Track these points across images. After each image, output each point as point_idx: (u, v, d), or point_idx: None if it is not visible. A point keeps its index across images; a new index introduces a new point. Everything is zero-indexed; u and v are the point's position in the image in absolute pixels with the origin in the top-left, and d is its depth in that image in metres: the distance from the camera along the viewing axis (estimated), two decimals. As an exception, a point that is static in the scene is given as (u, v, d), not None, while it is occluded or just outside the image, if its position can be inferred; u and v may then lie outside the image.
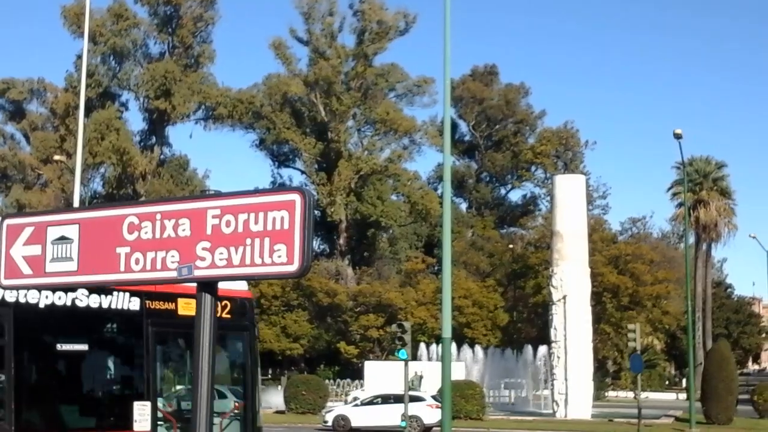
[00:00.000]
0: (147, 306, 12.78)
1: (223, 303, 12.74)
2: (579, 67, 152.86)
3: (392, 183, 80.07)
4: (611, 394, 68.42)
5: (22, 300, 11.30)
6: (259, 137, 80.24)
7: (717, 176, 72.39)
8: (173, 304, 13.11)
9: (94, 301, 12.10)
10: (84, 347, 12.51)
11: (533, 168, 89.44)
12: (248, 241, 5.18)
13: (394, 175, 78.30)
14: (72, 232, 6.03)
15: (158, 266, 5.57)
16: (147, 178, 71.55)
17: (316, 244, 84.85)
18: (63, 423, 12.23)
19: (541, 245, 67.70)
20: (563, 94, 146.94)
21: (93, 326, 12.55)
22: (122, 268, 5.75)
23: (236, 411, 13.72)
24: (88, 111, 61.84)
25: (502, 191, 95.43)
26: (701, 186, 70.78)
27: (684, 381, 73.70)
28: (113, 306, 12.40)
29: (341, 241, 77.05)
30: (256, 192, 5.29)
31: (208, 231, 5.35)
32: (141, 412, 12.22)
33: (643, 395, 42.92)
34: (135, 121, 77.29)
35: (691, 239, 68.41)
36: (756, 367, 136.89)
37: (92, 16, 59.47)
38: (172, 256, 5.52)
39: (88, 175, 69.35)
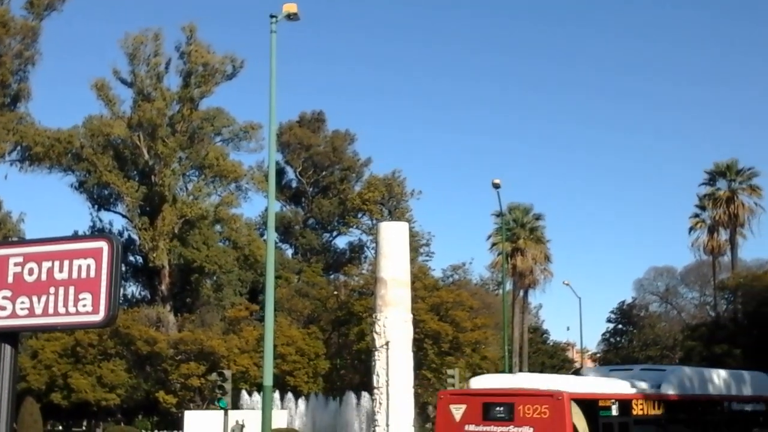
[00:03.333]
0: None
1: None
2: (404, 116, 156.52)
3: (219, 228, 79.18)
4: (432, 438, 69.33)
5: None
6: (79, 180, 77.81)
7: (533, 225, 75.40)
8: None
9: None
10: None
11: (360, 215, 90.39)
12: (52, 289, 5.03)
13: (221, 220, 77.47)
14: None
15: (-45, 316, 5.32)
16: (-44, 221, 68.03)
17: (137, 291, 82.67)
18: None
19: (366, 292, 68.32)
20: (388, 142, 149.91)
21: None
22: None
23: None
24: None
25: (329, 237, 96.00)
26: (518, 234, 73.50)
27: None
28: None
29: (163, 287, 75.35)
30: (61, 239, 5.15)
31: (10, 279, 5.17)
32: None
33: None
34: (-54, 162, 73.36)
35: (509, 286, 70.76)
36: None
37: None
38: (-30, 306, 5.28)
39: None
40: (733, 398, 27.23)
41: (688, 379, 26.05)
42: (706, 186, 71.20)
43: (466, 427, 22.10)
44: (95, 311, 5.00)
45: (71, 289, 5.04)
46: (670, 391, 25.05)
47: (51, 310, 5.07)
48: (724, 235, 70.20)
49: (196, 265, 74.70)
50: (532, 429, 21.19)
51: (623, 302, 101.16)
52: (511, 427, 21.51)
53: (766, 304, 60.61)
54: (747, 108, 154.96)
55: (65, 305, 5.07)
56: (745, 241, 70.78)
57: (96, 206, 79.86)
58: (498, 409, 21.81)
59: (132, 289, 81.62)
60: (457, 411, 22.45)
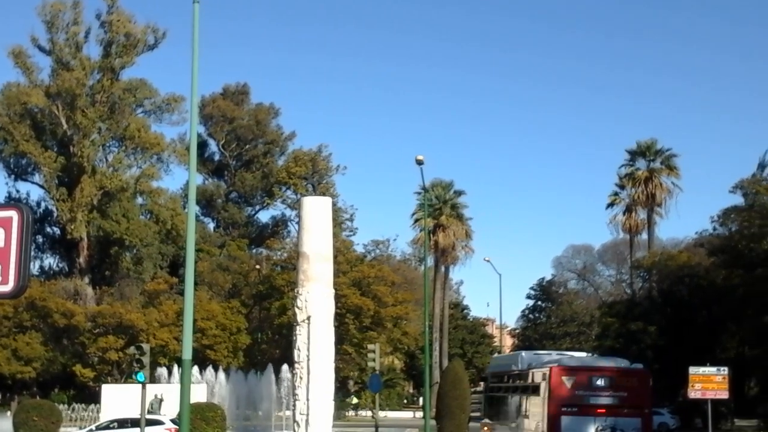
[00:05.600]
0: None
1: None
2: (328, 92, 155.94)
3: (141, 201, 78.06)
4: (352, 413, 69.74)
5: None
6: (-6, 149, 75.93)
7: (455, 202, 75.83)
8: None
9: None
10: None
11: (284, 189, 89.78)
12: (-41, 259, 4.91)
13: (142, 193, 76.36)
14: None
15: None
16: None
17: (54, 263, 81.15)
18: None
19: (288, 266, 68.15)
20: (313, 117, 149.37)
21: None
22: None
23: None
24: None
25: (252, 211, 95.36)
26: (441, 211, 73.87)
27: (421, 399, 76.38)
28: None
29: (81, 259, 74.09)
30: (-31, 208, 5.03)
31: None
32: None
33: (382, 414, 44.06)
34: None
35: (431, 262, 71.17)
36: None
37: None
38: None
39: None
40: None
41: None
42: (627, 166, 72.27)
43: (576, 392, 30.43)
44: (4, 281, 4.89)
45: (-21, 259, 4.91)
46: None
47: (-42, 280, 4.94)
48: (642, 215, 71.37)
49: (115, 237, 73.59)
50: (626, 393, 30.37)
51: (542, 279, 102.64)
52: (611, 391, 30.44)
53: (679, 283, 62.10)
54: (670, 89, 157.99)
55: (-27, 275, 4.94)
56: (662, 221, 72.16)
57: (12, 176, 78.15)
58: (602, 380, 30.67)
59: (49, 260, 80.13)
60: (568, 381, 30.59)
